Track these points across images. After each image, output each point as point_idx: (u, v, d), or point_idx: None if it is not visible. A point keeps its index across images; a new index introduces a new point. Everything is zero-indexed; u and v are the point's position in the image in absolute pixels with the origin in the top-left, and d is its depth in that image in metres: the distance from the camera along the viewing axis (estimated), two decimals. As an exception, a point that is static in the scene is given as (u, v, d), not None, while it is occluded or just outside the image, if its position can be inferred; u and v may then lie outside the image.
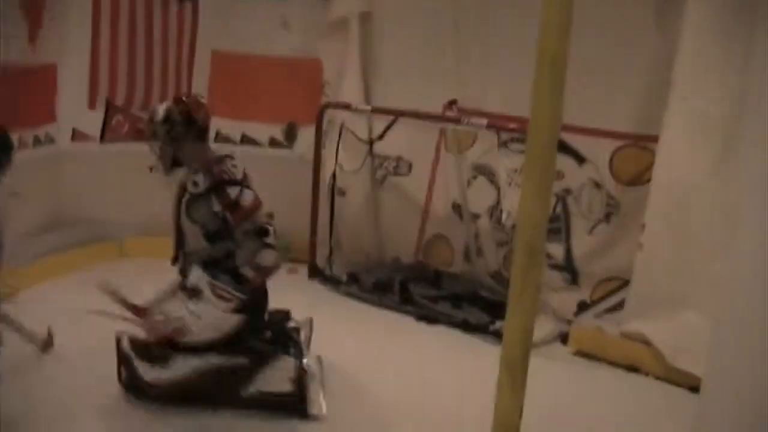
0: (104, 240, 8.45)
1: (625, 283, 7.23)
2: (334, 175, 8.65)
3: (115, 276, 6.32)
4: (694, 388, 6.14)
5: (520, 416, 4.23)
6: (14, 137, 6.91)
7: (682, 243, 6.56)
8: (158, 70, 8.81)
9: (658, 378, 6.58)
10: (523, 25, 7.45)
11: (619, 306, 7.28)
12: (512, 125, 7.37)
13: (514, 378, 4.15)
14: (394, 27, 8.57)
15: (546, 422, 4.94)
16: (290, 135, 9.35)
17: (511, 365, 4.14)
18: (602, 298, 7.48)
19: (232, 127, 9.27)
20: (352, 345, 6.91)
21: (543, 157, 3.79)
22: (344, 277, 8.52)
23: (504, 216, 7.59)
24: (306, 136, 9.00)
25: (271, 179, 8.06)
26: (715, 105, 6.37)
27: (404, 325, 7.61)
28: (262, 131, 9.39)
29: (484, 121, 7.48)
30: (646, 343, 6.71)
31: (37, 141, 7.64)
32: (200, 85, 8.97)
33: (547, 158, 3.82)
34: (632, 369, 6.73)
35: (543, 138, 3.76)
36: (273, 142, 9.40)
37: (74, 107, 8.12)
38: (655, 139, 6.88)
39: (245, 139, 9.39)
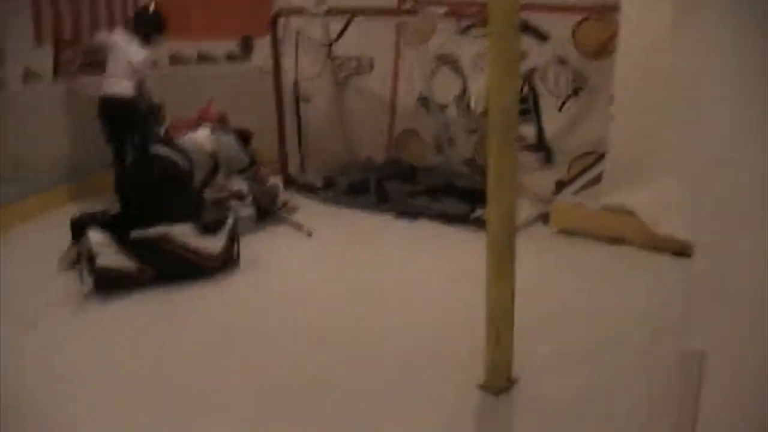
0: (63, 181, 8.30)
1: (601, 156, 7.19)
2: (296, 83, 8.49)
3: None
4: (678, 253, 6.21)
5: (513, 299, 4.25)
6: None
7: (651, 110, 6.50)
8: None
9: (641, 247, 6.58)
10: None
11: (597, 180, 7.25)
12: (471, 10, 7.25)
13: (502, 262, 4.15)
14: None
15: (537, 302, 4.96)
16: (246, 48, 9.19)
17: (498, 250, 4.14)
18: (579, 174, 7.45)
19: (188, 48, 9.11)
20: (336, 247, 6.96)
21: (506, 38, 3.73)
22: (319, 183, 8.46)
23: (472, 102, 7.51)
24: (263, 47, 8.82)
25: (232, 94, 7.99)
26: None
27: (385, 222, 7.58)
28: (217, 48, 9.22)
29: (442, 10, 7.30)
30: (628, 213, 6.69)
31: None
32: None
33: (511, 38, 3.75)
34: (616, 241, 6.73)
35: (504, 19, 3.68)
36: (230, 57, 9.25)
37: (21, 47, 7.83)
38: (614, 9, 6.78)
39: (201, 58, 9.24)
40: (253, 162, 7.52)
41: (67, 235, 6.47)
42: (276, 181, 8.08)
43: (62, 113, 8.31)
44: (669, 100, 6.30)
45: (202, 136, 7.19)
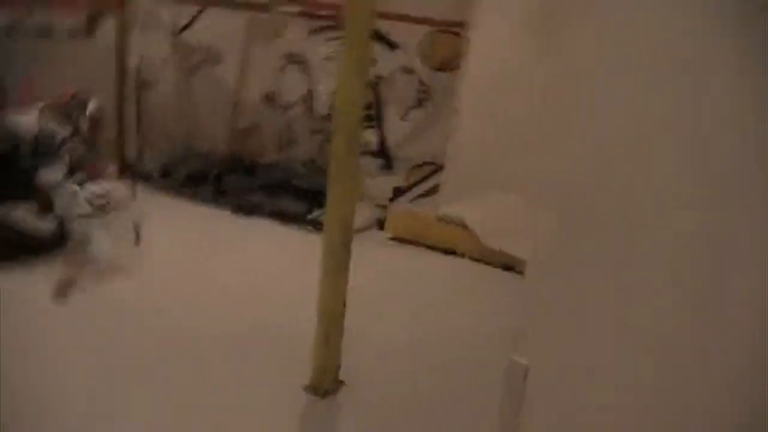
0: None
1: (440, 167, 7.36)
2: (139, 67, 8.27)
3: None
4: (508, 267, 6.41)
5: (344, 303, 4.27)
6: None
7: (493, 127, 6.69)
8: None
9: (473, 259, 6.76)
10: None
11: (434, 190, 7.41)
12: (324, 12, 7.27)
13: (337, 266, 4.17)
14: None
15: (366, 307, 4.99)
16: (91, 25, 8.89)
17: (333, 253, 4.16)
18: (417, 183, 7.60)
19: (26, 20, 8.78)
20: (169, 239, 6.75)
21: (359, 43, 3.75)
22: (157, 172, 8.27)
23: (320, 105, 7.55)
24: (109, 26, 8.57)
25: (74, 72, 7.71)
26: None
27: (220, 217, 7.49)
28: (61, 22, 8.89)
29: (296, 9, 7.27)
30: (462, 225, 6.86)
31: None
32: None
33: (364, 43, 3.78)
34: (449, 251, 6.88)
35: (360, 23, 3.71)
36: (73, 34, 8.94)
37: None
38: (464, 24, 6.93)
39: (41, 30, 8.90)
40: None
41: None
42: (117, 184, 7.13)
43: None
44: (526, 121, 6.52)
45: (28, 118, 6.57)
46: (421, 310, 5.67)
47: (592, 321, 2.48)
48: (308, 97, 8.02)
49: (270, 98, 8.27)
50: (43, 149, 6.71)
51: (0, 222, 5.89)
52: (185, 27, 8.12)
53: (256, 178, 8.11)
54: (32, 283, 5.57)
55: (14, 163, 6.44)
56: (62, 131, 6.74)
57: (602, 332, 2.47)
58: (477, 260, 6.76)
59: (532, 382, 2.64)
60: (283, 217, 7.40)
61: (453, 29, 7.19)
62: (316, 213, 7.24)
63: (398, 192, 7.64)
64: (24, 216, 6.00)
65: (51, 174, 6.76)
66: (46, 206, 6.12)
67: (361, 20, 3.70)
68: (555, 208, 2.53)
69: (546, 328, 2.60)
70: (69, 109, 6.98)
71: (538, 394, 2.65)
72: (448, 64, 7.31)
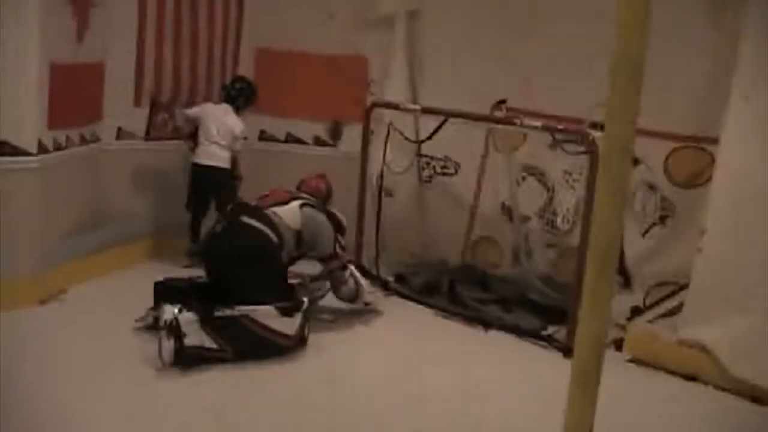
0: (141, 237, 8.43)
1: (680, 287, 7.07)
2: (381, 175, 8.49)
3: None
4: (756, 399, 6.01)
5: (592, 428, 4.10)
6: (62, 136, 6.95)
7: (743, 247, 6.39)
8: (203, 67, 8.74)
9: (717, 388, 6.35)
10: (573, 24, 7.48)
11: (674, 311, 7.11)
12: (566, 126, 7.22)
13: (585, 391, 4.00)
14: (441, 24, 8.49)
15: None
16: (335, 133, 9.26)
17: (582, 378, 3.99)
18: (656, 303, 7.32)
19: (277, 126, 9.23)
20: (406, 345, 6.89)
21: (618, 163, 3.65)
22: (391, 279, 8.38)
23: (559, 219, 7.47)
24: (351, 134, 8.91)
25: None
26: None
27: (454, 326, 7.45)
28: (306, 129, 9.32)
29: (539, 123, 7.24)
30: (704, 350, 6.51)
31: (83, 140, 7.54)
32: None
33: (623, 164, 3.68)
34: (690, 378, 6.51)
35: (619, 142, 3.62)
36: (318, 141, 9.31)
37: (120, 105, 8.02)
38: (712, 140, 6.72)
39: (290, 138, 9.33)
40: (334, 254, 7.04)
41: (143, 293, 6.56)
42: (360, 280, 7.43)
43: (149, 173, 8.47)
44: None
45: (290, 210, 6.83)
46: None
47: None
48: (545, 210, 7.96)
49: (506, 210, 8.26)
50: (306, 245, 6.93)
51: (253, 321, 6.11)
52: (427, 138, 8.20)
53: (490, 291, 8.05)
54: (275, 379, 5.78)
55: (278, 258, 6.69)
56: (327, 232, 6.95)
57: None
58: (721, 389, 6.35)
59: None
60: (519, 331, 7.26)
61: (699, 145, 6.99)
62: (551, 329, 7.11)
63: (636, 311, 7.38)
64: (268, 313, 6.20)
65: (310, 270, 7.18)
66: (295, 305, 6.35)
67: (620, 138, 3.61)
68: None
69: None
70: (324, 202, 7.22)
71: None
72: (693, 181, 7.09)
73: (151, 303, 6.48)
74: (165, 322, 5.83)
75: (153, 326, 6.22)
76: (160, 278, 6.69)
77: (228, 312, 6.02)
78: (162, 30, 8.24)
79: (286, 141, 9.34)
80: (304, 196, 7.13)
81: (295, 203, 6.89)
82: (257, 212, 6.73)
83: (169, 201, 8.39)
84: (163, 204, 8.51)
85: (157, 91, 8.33)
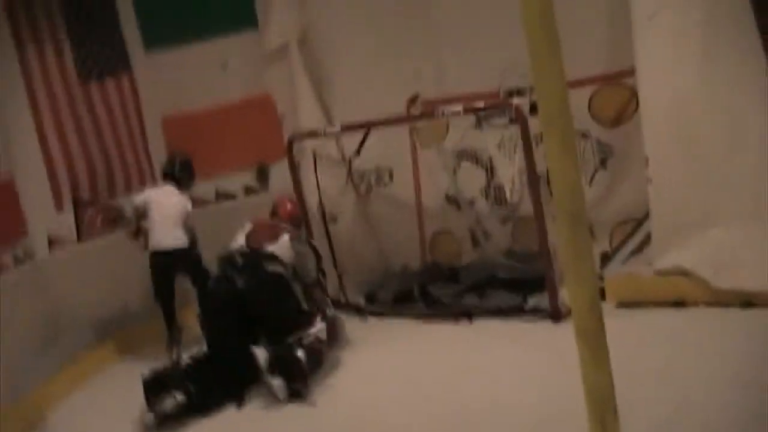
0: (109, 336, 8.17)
1: (640, 222, 7.10)
2: (320, 203, 8.33)
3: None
4: (746, 304, 6.02)
5: (612, 386, 4.03)
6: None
7: (688, 163, 6.41)
8: (114, 149, 8.52)
9: (707, 305, 6.35)
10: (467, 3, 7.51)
11: (642, 246, 7.13)
12: (486, 102, 7.19)
13: (594, 349, 3.95)
14: (334, 40, 8.43)
15: (626, 383, 4.73)
16: (263, 176, 9.11)
17: (587, 337, 3.94)
18: (622, 244, 7.33)
19: (204, 188, 9.01)
20: (402, 359, 6.76)
21: (560, 119, 3.62)
22: (361, 301, 8.24)
23: (507, 191, 7.45)
24: (279, 173, 8.74)
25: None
26: (686, 14, 6.26)
27: (441, 327, 7.31)
28: (233, 182, 9.16)
29: (459, 107, 7.15)
30: (685, 274, 6.50)
31: (17, 260, 7.29)
32: (159, 154, 8.74)
33: (565, 119, 3.65)
34: (678, 304, 6.49)
35: (554, 99, 3.59)
36: (248, 191, 9.16)
37: (42, 214, 7.75)
38: (628, 73, 6.77)
39: (220, 196, 9.16)
40: (318, 281, 7.29)
41: (128, 392, 6.30)
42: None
43: (94, 272, 8.16)
44: (709, 144, 6.26)
45: (284, 246, 6.95)
46: (683, 372, 5.33)
47: None
48: (488, 188, 7.94)
49: (451, 200, 8.22)
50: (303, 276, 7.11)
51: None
52: (356, 154, 8.12)
53: (459, 282, 7.95)
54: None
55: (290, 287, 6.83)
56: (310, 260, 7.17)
57: None
58: (711, 305, 6.35)
59: None
60: (500, 312, 7.19)
61: (617, 81, 7.03)
62: (532, 301, 7.07)
63: (606, 257, 7.37)
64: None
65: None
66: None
67: (554, 93, 3.59)
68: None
69: None
70: (299, 227, 7.51)
71: None
72: (621, 117, 7.13)
73: (142, 401, 6.16)
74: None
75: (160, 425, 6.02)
76: (146, 372, 6.37)
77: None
78: (62, 126, 7.98)
79: (217, 200, 9.15)
80: (287, 227, 7.19)
81: (285, 238, 7.00)
82: (260, 254, 6.85)
83: (122, 292, 8.16)
84: (119, 297, 8.23)
85: (74, 187, 8.07)
